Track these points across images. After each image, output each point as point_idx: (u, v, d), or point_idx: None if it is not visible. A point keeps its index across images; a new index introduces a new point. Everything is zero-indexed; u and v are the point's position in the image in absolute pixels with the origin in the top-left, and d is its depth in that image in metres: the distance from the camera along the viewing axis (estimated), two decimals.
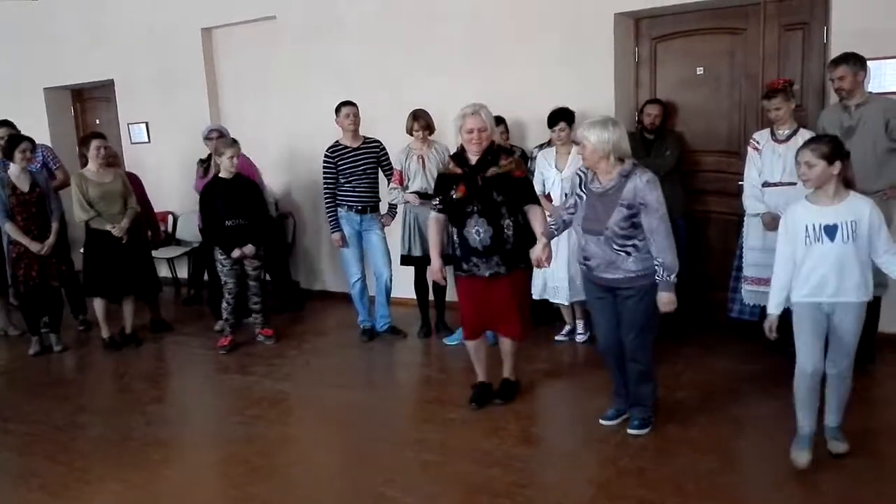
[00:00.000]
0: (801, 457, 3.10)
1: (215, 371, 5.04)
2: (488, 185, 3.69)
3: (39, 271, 5.30)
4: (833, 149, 2.93)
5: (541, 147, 5.11)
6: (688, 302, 5.17)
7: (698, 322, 5.21)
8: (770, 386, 4.06)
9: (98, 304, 5.47)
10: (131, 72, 7.49)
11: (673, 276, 3.30)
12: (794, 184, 4.28)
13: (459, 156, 3.80)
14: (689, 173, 5.26)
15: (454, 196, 3.74)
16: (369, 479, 3.32)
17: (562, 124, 4.76)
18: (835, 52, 4.27)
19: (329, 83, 6.15)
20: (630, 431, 3.54)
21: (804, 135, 4.30)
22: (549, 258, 3.66)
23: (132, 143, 7.69)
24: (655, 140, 5.11)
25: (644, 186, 3.24)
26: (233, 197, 5.13)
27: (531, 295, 4.47)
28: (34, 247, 5.23)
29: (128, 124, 7.67)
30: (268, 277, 5.87)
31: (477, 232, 3.72)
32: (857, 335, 3.05)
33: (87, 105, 8.59)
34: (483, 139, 3.69)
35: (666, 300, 3.33)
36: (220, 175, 5.16)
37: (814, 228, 2.96)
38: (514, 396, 4.07)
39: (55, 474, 3.55)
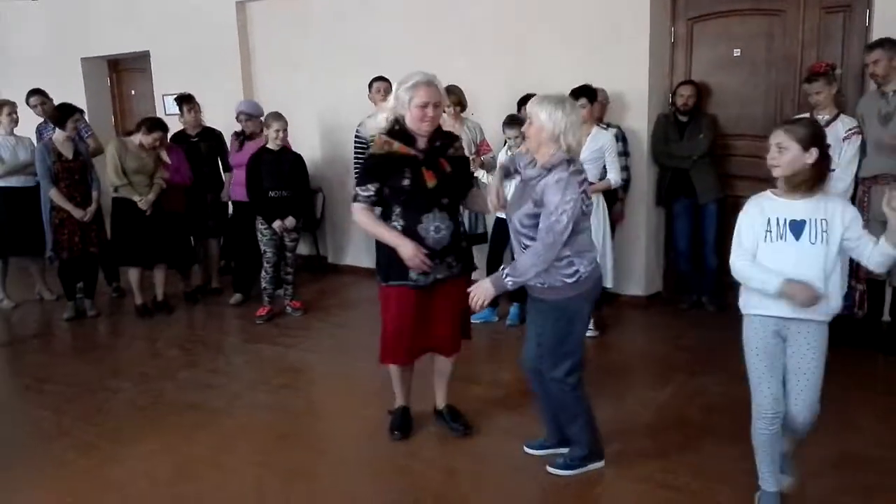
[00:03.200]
0: None
1: (244, 340, 5.13)
2: (455, 171, 3.12)
3: (81, 237, 5.44)
4: (811, 134, 2.52)
5: None
6: (719, 289, 5.20)
7: (726, 308, 5.16)
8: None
9: (132, 272, 5.59)
10: (167, 44, 7.56)
11: (510, 281, 2.75)
12: (833, 170, 4.23)
13: (401, 133, 3.05)
14: (722, 157, 5.19)
15: (425, 185, 3.02)
16: (392, 451, 3.38)
17: (583, 100, 4.59)
18: (877, 36, 4.18)
19: (359, 60, 6.15)
20: (548, 468, 3.08)
21: (844, 121, 4.24)
22: (503, 202, 3.02)
23: (166, 115, 7.77)
24: (689, 123, 5.05)
25: (552, 185, 2.67)
26: (278, 169, 5.21)
27: None
28: (77, 213, 5.36)
29: (162, 95, 7.76)
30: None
31: (437, 229, 3.07)
32: (821, 366, 2.60)
33: (123, 75, 8.70)
34: (436, 118, 3.03)
35: (480, 291, 2.80)
36: (267, 146, 5.25)
37: (777, 223, 2.52)
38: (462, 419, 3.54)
39: (88, 434, 3.66)
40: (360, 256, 6.65)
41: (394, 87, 3.09)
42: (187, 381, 4.34)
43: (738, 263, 2.59)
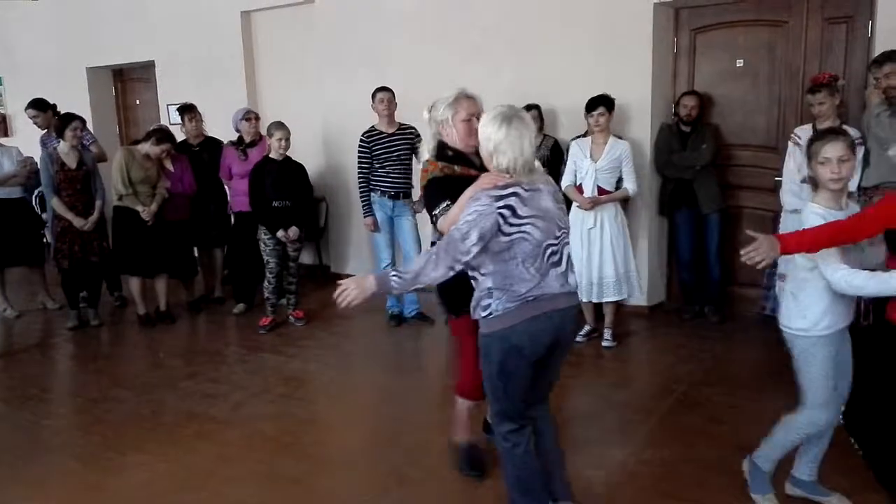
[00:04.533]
0: None
1: (247, 350, 5.13)
2: None
3: (82, 247, 5.45)
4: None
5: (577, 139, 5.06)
6: (722, 298, 5.19)
7: (729, 318, 5.16)
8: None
9: (133, 282, 5.60)
10: (172, 53, 7.60)
11: (395, 281, 2.37)
12: None
13: (455, 156, 2.80)
14: (724, 167, 5.19)
15: None
16: (393, 460, 3.37)
17: (601, 109, 4.64)
18: (879, 48, 4.18)
19: (365, 68, 6.18)
20: None
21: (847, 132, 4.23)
22: None
23: (171, 124, 7.80)
24: (691, 133, 5.05)
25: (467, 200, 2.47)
26: (281, 178, 5.23)
27: None
28: (77, 222, 5.37)
29: (167, 105, 7.79)
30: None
31: None
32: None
33: (128, 85, 8.74)
34: (474, 129, 2.66)
35: (355, 285, 2.37)
36: (270, 156, 5.28)
37: None
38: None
39: (89, 445, 3.66)
40: (362, 266, 6.65)
41: (428, 114, 2.90)
42: (189, 390, 4.33)
43: (842, 274, 2.44)
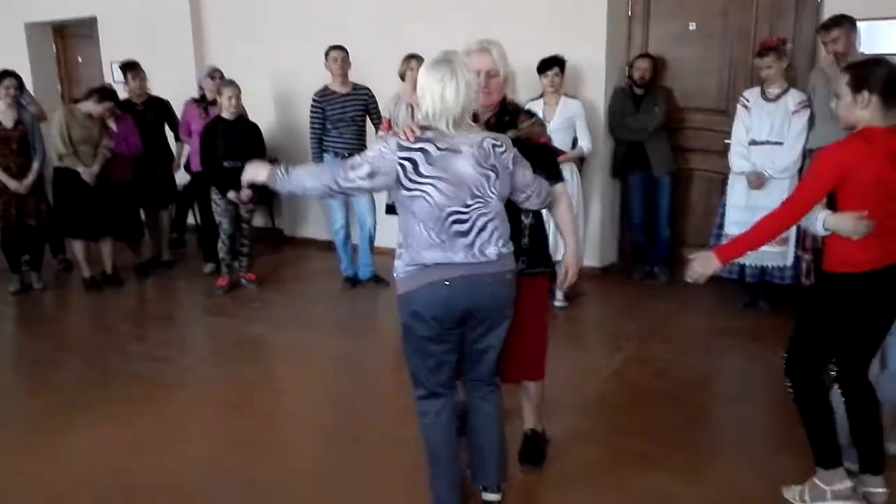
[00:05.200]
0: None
1: (197, 312, 5.06)
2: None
3: (18, 209, 5.24)
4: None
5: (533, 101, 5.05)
6: (672, 259, 5.30)
7: (678, 278, 5.27)
8: (742, 341, 4.16)
9: (76, 245, 5.43)
10: (115, 8, 7.28)
11: (278, 176, 2.38)
12: (781, 143, 4.33)
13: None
14: (676, 130, 5.25)
15: None
16: (346, 422, 3.38)
17: (555, 69, 4.67)
18: (828, 12, 4.23)
19: (319, 27, 6.02)
20: None
21: (794, 94, 4.32)
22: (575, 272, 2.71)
23: (115, 82, 7.52)
24: (645, 95, 5.08)
25: None
26: (233, 138, 5.11)
27: None
28: (11, 184, 5.16)
29: (111, 63, 7.49)
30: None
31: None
32: None
33: (69, 42, 8.38)
34: (493, 88, 2.52)
35: (252, 168, 2.43)
36: (221, 115, 5.15)
37: None
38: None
39: (35, 409, 3.58)
40: (317, 229, 6.58)
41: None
42: (137, 354, 4.26)
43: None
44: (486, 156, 2.28)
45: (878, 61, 2.40)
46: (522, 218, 2.60)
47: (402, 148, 2.25)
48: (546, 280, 2.79)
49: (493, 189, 2.30)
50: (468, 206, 2.27)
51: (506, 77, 2.57)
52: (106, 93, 5.35)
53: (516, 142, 2.45)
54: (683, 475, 2.81)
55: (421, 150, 2.24)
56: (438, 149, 2.25)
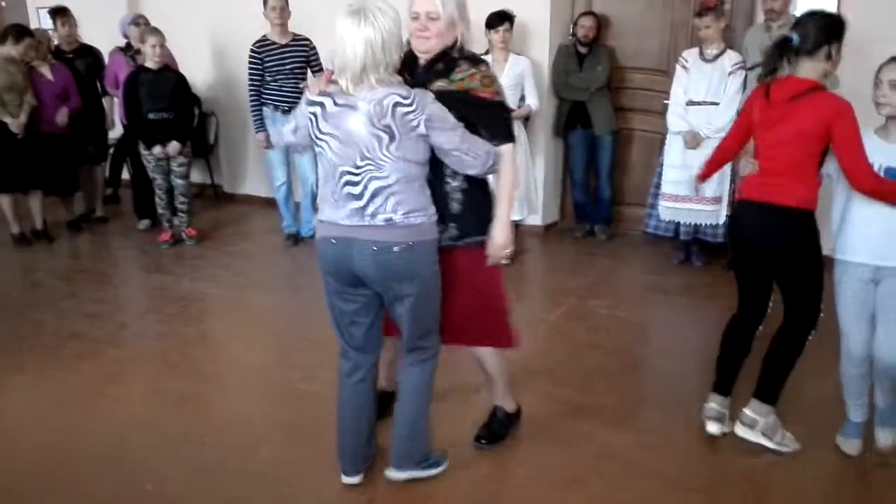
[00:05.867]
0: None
1: (133, 269, 4.95)
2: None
3: None
4: None
5: None
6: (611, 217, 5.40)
7: (617, 235, 5.39)
8: (676, 296, 4.30)
9: (3, 199, 5.19)
10: None
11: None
12: (717, 103, 4.42)
13: (408, 56, 2.34)
14: (618, 90, 5.30)
15: None
16: (287, 375, 3.38)
17: (506, 24, 4.62)
18: None
19: None
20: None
21: (730, 55, 4.41)
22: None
23: (42, 29, 7.15)
24: (588, 54, 5.10)
25: None
26: (157, 89, 4.94)
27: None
28: None
29: (37, 8, 7.10)
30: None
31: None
32: None
33: None
34: (432, 33, 2.28)
35: None
36: (145, 64, 4.95)
37: (877, 169, 2.40)
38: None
39: None
40: (257, 185, 6.45)
41: None
42: (70, 310, 4.14)
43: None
44: (382, 114, 2.11)
45: None
46: (448, 180, 2.34)
47: (309, 102, 2.22)
48: (482, 251, 2.44)
49: (385, 152, 2.13)
50: (359, 167, 2.16)
51: (452, 22, 2.30)
52: (20, 30, 5.05)
53: (451, 95, 2.25)
54: (615, 422, 2.92)
55: (321, 104, 2.18)
56: (336, 104, 2.15)
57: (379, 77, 2.11)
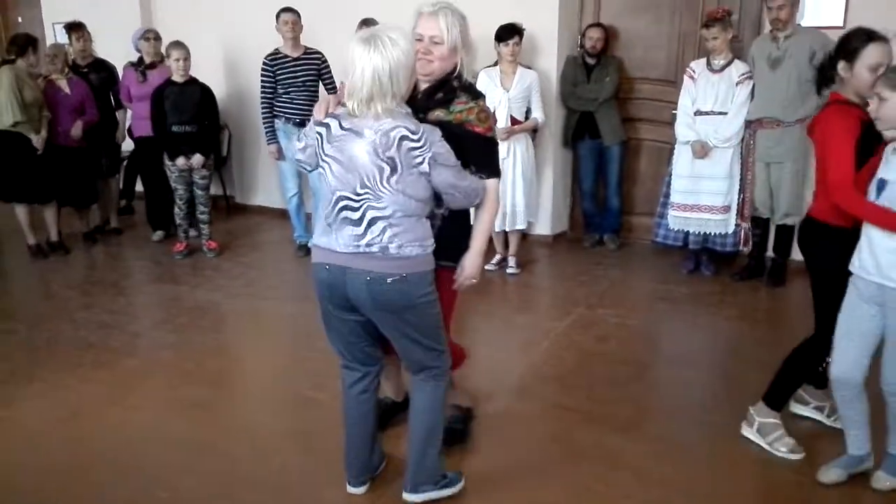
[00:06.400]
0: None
1: (146, 280, 5.00)
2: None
3: None
4: None
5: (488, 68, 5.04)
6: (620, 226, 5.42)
7: (626, 245, 5.40)
8: (685, 305, 4.31)
9: (19, 210, 5.28)
10: None
11: None
12: (725, 113, 4.45)
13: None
14: (626, 100, 5.33)
15: None
16: (298, 384, 3.41)
17: (516, 38, 4.67)
18: None
19: None
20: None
21: (738, 66, 4.43)
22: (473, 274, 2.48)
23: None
24: (596, 65, 5.14)
25: None
26: (181, 102, 5.03)
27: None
28: None
29: (52, 24, 7.22)
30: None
31: None
32: None
33: (9, 2, 8.04)
34: (435, 57, 2.32)
35: None
36: (172, 78, 5.07)
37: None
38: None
39: None
40: (269, 196, 6.52)
41: None
42: (85, 321, 4.20)
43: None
44: (388, 147, 2.09)
45: None
46: (433, 209, 2.34)
47: (316, 122, 2.24)
48: (448, 274, 2.45)
49: (385, 183, 2.11)
50: (358, 194, 2.14)
51: (454, 47, 2.32)
52: (28, 40, 5.12)
53: (448, 126, 2.27)
54: (625, 430, 2.93)
55: (326, 125, 2.18)
56: (342, 128, 2.15)
57: (386, 106, 2.09)
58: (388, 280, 2.17)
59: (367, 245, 2.16)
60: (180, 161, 5.06)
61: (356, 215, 2.16)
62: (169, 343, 3.90)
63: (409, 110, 2.19)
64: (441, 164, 2.15)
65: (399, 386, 2.97)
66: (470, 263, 2.46)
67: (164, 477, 2.68)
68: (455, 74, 2.38)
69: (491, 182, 2.39)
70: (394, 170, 2.11)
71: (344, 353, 2.45)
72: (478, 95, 2.42)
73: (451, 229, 2.41)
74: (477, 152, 2.35)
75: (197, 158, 5.08)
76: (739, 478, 2.63)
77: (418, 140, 2.10)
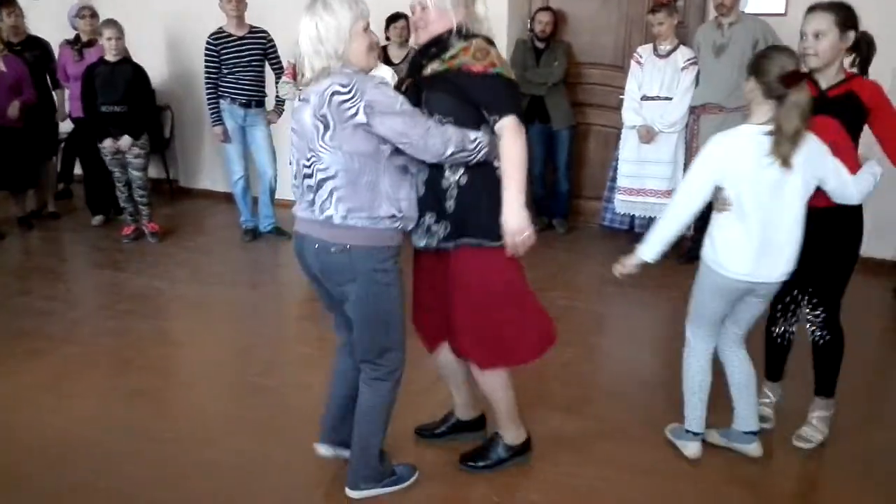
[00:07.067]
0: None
1: (86, 266, 4.85)
2: (433, 88, 2.22)
3: None
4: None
5: None
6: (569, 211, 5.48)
7: (574, 228, 5.47)
8: (631, 288, 4.36)
9: None
10: None
11: None
12: (671, 98, 4.52)
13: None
14: (575, 85, 5.37)
15: None
16: (245, 370, 3.36)
17: (403, 21, 4.74)
18: None
19: None
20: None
21: (683, 51, 4.50)
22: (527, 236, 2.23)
23: None
24: (545, 49, 5.16)
25: None
26: (111, 81, 4.89)
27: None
28: None
29: None
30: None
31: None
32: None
33: None
34: (422, 24, 2.24)
35: None
36: (104, 57, 4.93)
37: None
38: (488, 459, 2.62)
39: None
40: (214, 180, 6.38)
41: None
42: (21, 308, 4.05)
43: None
44: (321, 105, 2.07)
45: (849, 4, 2.46)
46: (446, 174, 2.19)
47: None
48: (490, 253, 2.24)
49: (321, 142, 2.09)
50: (308, 159, 2.14)
51: (444, 9, 2.18)
52: None
53: (445, 76, 2.16)
54: (569, 410, 2.99)
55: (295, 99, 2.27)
56: (300, 99, 2.20)
57: (324, 66, 2.09)
58: (332, 249, 2.15)
59: (319, 210, 2.14)
60: (107, 143, 4.93)
61: (312, 181, 2.15)
62: (110, 330, 3.79)
63: (357, 69, 2.13)
64: (381, 113, 2.06)
65: (467, 402, 2.70)
66: (510, 216, 2.16)
67: (105, 466, 2.61)
68: (452, 31, 2.21)
69: (507, 119, 2.15)
70: (326, 126, 2.08)
71: (330, 316, 2.44)
72: (473, 37, 2.20)
73: (470, 200, 2.20)
74: (481, 93, 2.16)
75: (125, 140, 4.94)
76: (681, 456, 2.69)
77: (349, 91, 2.04)
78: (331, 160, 2.10)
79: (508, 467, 2.58)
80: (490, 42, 2.23)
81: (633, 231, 4.84)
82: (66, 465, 2.63)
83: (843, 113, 2.43)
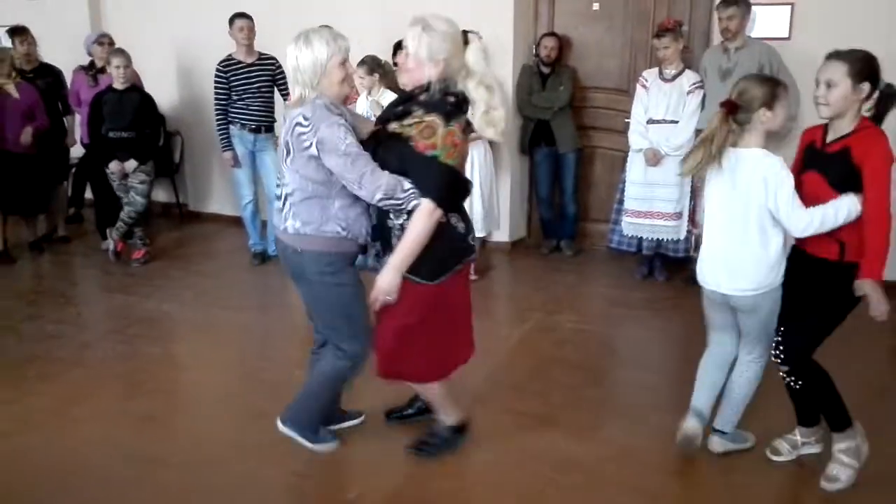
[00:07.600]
0: None
1: (96, 290, 4.88)
2: (385, 146, 2.42)
3: None
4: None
5: None
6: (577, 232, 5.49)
7: (582, 251, 5.47)
8: (639, 310, 4.38)
9: None
10: None
11: None
12: (677, 122, 4.54)
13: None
14: (580, 109, 5.40)
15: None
16: (252, 396, 3.36)
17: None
18: None
19: None
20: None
21: (689, 75, 4.54)
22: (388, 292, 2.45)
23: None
24: (550, 74, 5.20)
25: None
26: (119, 108, 4.96)
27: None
28: None
29: None
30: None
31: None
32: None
33: None
34: (405, 68, 2.43)
35: None
36: (113, 85, 5.02)
37: None
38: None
39: None
40: (224, 204, 6.42)
41: None
42: (31, 332, 4.07)
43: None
44: (287, 132, 2.40)
45: (869, 54, 2.39)
46: (391, 216, 2.43)
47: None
48: (411, 287, 2.45)
49: (285, 164, 2.43)
50: (279, 177, 2.53)
51: (420, 61, 2.35)
52: None
53: (398, 139, 2.37)
54: (578, 434, 2.97)
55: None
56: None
57: (301, 94, 2.38)
58: (290, 251, 2.52)
59: (284, 220, 2.50)
60: (113, 165, 5.01)
61: (281, 195, 2.51)
62: (119, 354, 3.80)
63: (328, 101, 2.39)
64: (328, 151, 2.33)
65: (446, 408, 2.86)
66: (382, 277, 2.43)
67: (111, 490, 2.61)
68: (424, 88, 2.38)
69: (423, 201, 2.34)
70: (288, 152, 2.40)
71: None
72: (433, 110, 2.34)
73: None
74: (413, 168, 2.36)
75: (130, 163, 5.01)
76: (693, 480, 2.67)
77: (307, 125, 2.33)
78: (291, 180, 2.44)
79: (459, 446, 2.83)
80: (465, 101, 2.41)
81: (641, 253, 4.84)
82: (73, 488, 2.63)
83: (832, 170, 2.40)
